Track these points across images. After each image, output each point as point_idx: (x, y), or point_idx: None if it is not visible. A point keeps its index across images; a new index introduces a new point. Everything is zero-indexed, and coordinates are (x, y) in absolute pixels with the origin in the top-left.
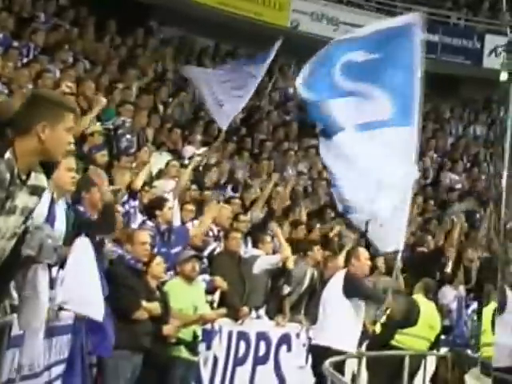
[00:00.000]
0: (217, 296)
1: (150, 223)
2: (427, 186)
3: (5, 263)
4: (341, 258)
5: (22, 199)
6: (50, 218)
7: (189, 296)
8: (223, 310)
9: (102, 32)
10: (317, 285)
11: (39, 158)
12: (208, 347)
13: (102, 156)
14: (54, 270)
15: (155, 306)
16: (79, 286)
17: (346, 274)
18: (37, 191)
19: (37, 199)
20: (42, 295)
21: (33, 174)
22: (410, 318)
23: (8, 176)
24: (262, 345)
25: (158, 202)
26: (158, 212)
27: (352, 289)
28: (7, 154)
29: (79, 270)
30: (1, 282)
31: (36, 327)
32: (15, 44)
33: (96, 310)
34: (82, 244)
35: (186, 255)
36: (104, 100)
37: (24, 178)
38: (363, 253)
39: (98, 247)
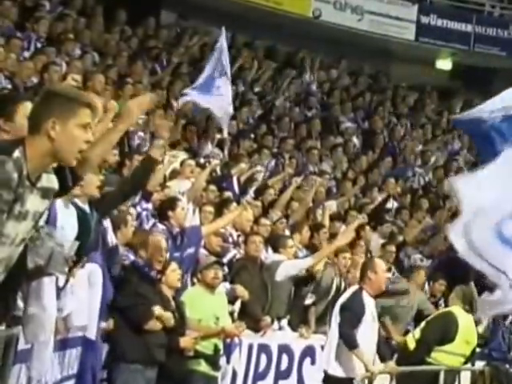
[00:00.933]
0: (237, 306)
1: (160, 226)
2: None
3: (13, 271)
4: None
5: (34, 203)
6: (51, 221)
7: (210, 306)
8: (244, 326)
9: (112, 22)
10: (342, 292)
11: (52, 160)
12: (227, 361)
13: (113, 155)
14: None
15: (168, 316)
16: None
17: (353, 294)
18: (48, 194)
19: (48, 202)
20: (48, 306)
21: (44, 176)
22: (447, 334)
23: (16, 176)
24: (285, 358)
25: (170, 203)
26: (170, 213)
27: (343, 312)
28: (16, 153)
29: (83, 296)
30: (8, 291)
31: (44, 340)
32: (18, 35)
33: (91, 331)
34: (92, 272)
35: (207, 261)
36: (116, 105)
37: (34, 179)
38: (380, 264)
39: (112, 253)
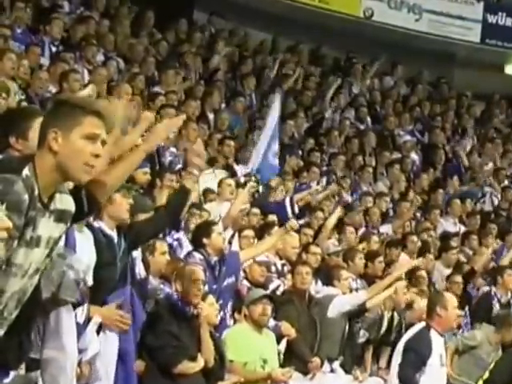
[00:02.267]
0: (283, 345)
1: (197, 255)
2: None
3: (27, 306)
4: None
5: (47, 227)
6: (69, 246)
7: (257, 347)
8: (292, 372)
9: (139, 25)
10: (394, 329)
11: (60, 176)
12: None
13: (144, 174)
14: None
15: (208, 356)
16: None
17: (419, 331)
18: (63, 217)
19: (63, 227)
20: (67, 344)
21: (57, 196)
22: None
23: (26, 197)
24: None
25: (205, 228)
26: (205, 240)
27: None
28: (25, 171)
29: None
30: (22, 330)
31: None
32: (34, 39)
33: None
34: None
35: (253, 295)
36: (152, 116)
37: (46, 200)
38: (451, 300)
39: (142, 285)
